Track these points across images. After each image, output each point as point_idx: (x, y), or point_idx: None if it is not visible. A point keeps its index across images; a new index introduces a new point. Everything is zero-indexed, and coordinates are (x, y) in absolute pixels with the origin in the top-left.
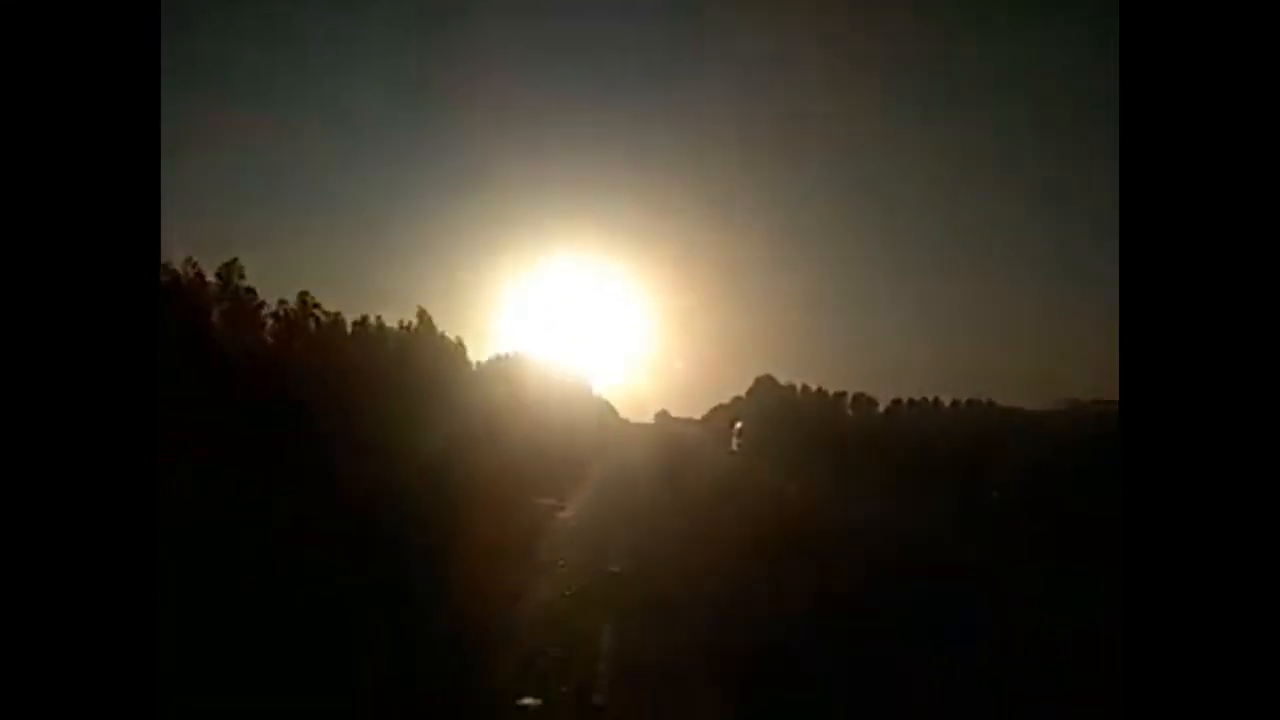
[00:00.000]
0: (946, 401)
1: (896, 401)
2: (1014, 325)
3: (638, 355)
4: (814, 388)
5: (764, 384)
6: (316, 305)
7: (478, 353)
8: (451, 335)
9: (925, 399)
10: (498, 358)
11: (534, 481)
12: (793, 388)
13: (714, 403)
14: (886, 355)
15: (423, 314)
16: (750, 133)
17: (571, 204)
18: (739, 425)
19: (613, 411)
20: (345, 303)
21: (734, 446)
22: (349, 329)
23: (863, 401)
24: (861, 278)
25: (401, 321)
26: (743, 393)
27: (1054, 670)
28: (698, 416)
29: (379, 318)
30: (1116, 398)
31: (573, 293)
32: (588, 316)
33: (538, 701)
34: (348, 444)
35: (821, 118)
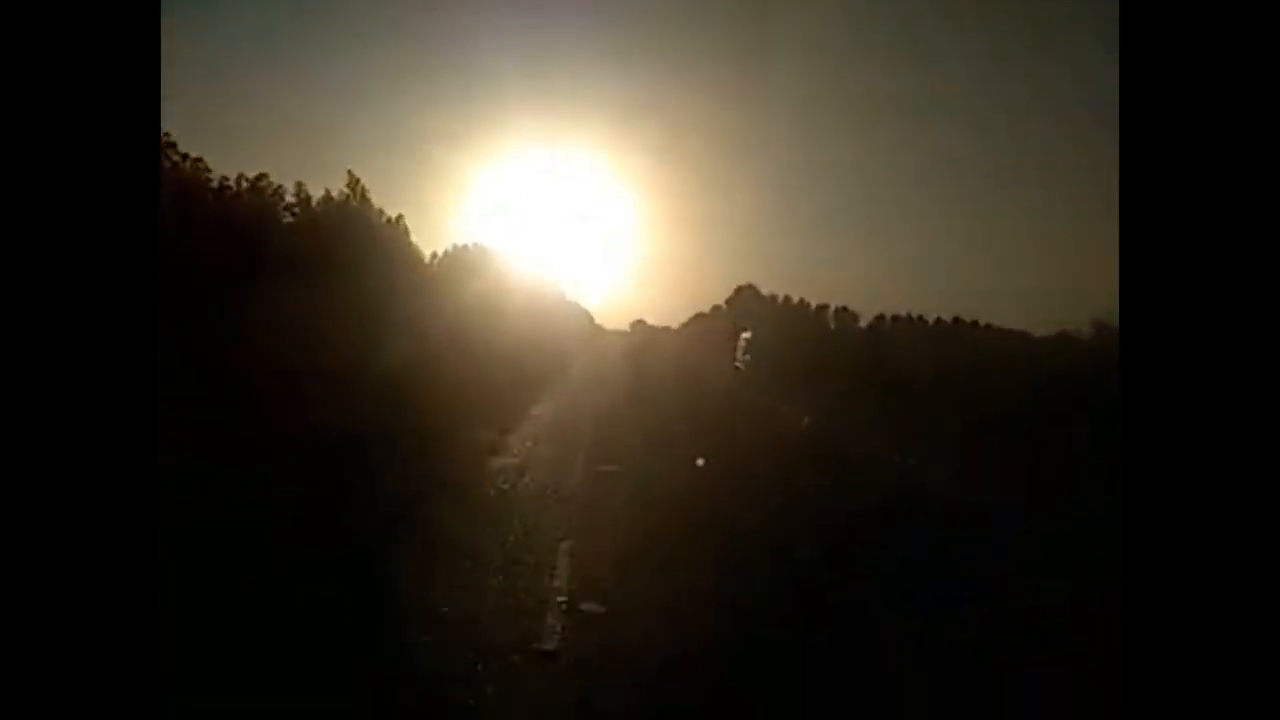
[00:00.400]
0: (931, 319)
1: (879, 317)
2: (1006, 244)
3: (613, 257)
4: (795, 299)
5: (745, 294)
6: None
7: (432, 243)
8: (391, 212)
9: (910, 315)
10: (455, 249)
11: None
12: (774, 299)
13: (692, 311)
14: (870, 270)
15: (355, 182)
16: (739, 15)
17: (544, 85)
18: (745, 336)
19: (587, 318)
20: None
21: (738, 362)
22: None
23: (846, 316)
24: (851, 187)
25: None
26: (722, 302)
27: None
28: (674, 325)
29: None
30: (1113, 322)
31: (540, 184)
32: (557, 212)
33: None
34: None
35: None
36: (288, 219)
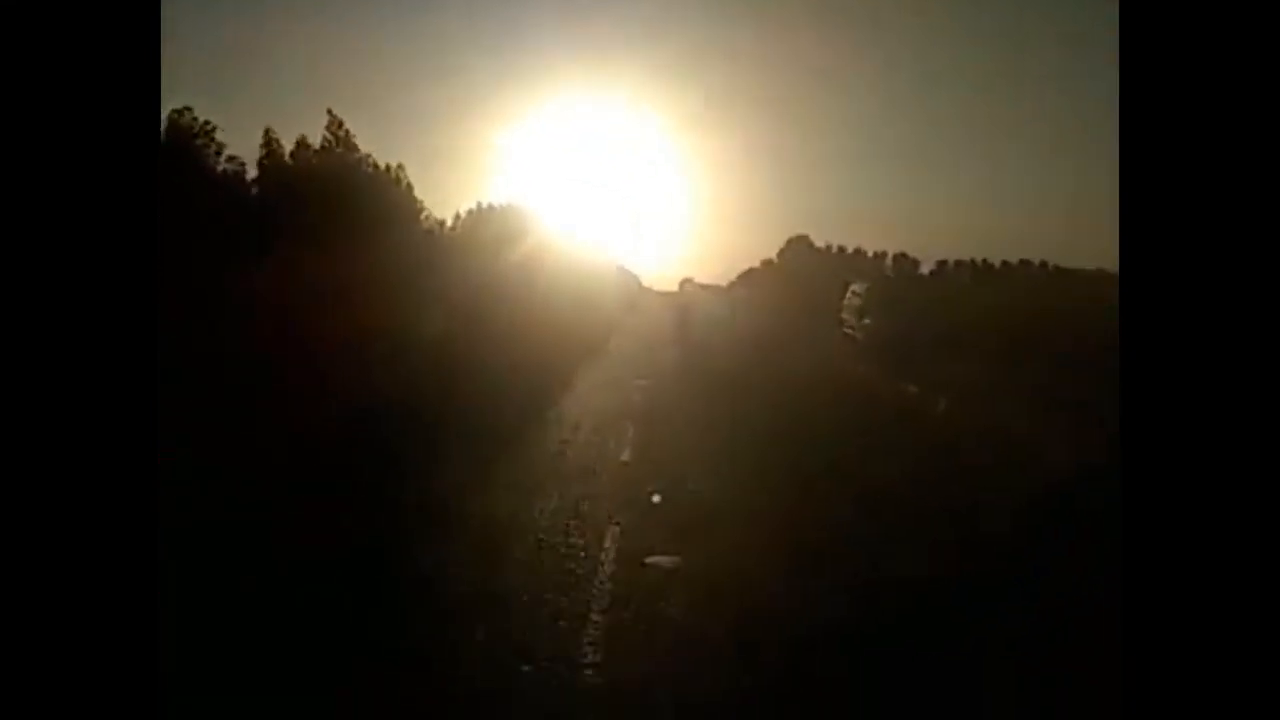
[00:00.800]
0: (996, 263)
1: (941, 263)
2: (1061, 186)
3: (656, 213)
4: (851, 248)
5: (797, 246)
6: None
7: (457, 203)
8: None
9: (972, 260)
10: (481, 209)
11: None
12: (829, 249)
13: (742, 266)
14: (927, 216)
15: (337, 123)
16: None
17: (580, 30)
18: (854, 290)
19: (634, 280)
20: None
21: (850, 327)
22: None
23: (905, 262)
24: (901, 133)
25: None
26: (773, 255)
27: None
28: (724, 284)
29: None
30: None
31: (578, 137)
32: (595, 165)
33: None
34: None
35: None
36: (249, 172)
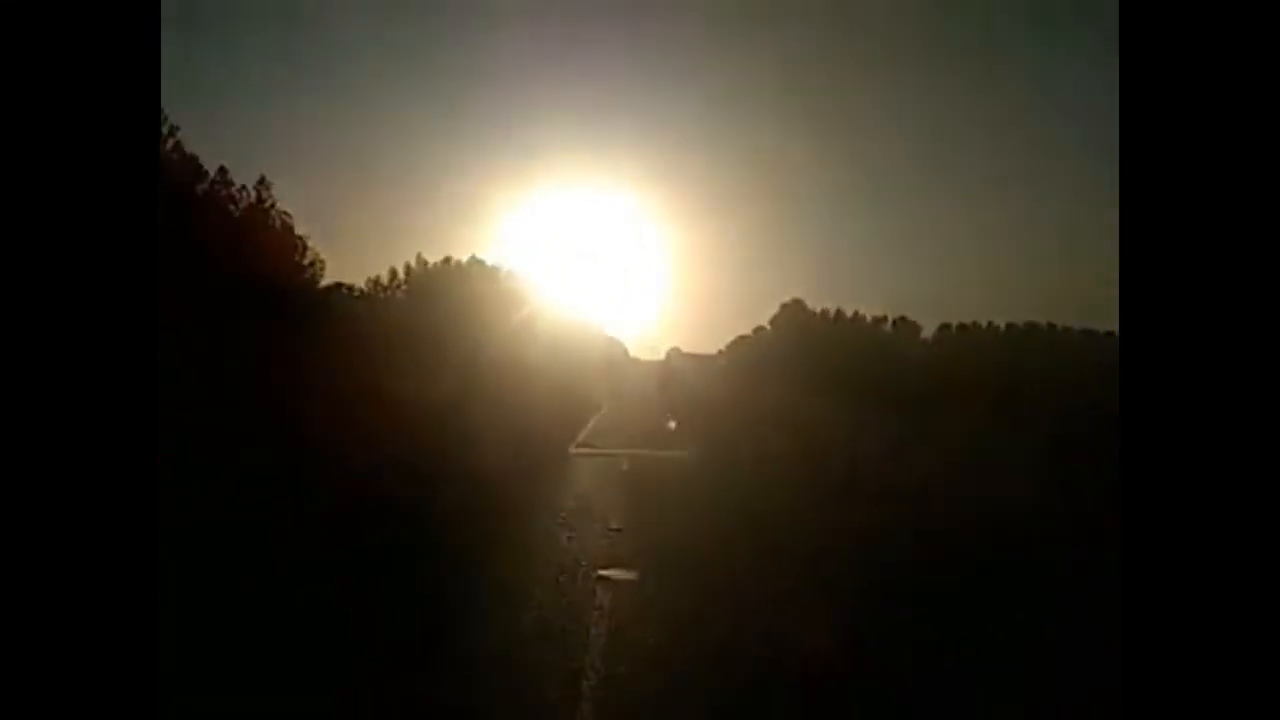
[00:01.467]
0: (1001, 325)
1: (944, 327)
2: (1066, 243)
3: (641, 283)
4: (849, 313)
5: (791, 311)
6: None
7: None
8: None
9: (976, 323)
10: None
11: None
12: (826, 314)
13: (733, 334)
14: (924, 279)
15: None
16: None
17: (565, 108)
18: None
19: (621, 348)
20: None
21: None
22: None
23: (906, 327)
24: (891, 195)
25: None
26: (765, 322)
27: None
28: (714, 351)
29: None
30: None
31: (560, 209)
32: (578, 236)
33: None
34: None
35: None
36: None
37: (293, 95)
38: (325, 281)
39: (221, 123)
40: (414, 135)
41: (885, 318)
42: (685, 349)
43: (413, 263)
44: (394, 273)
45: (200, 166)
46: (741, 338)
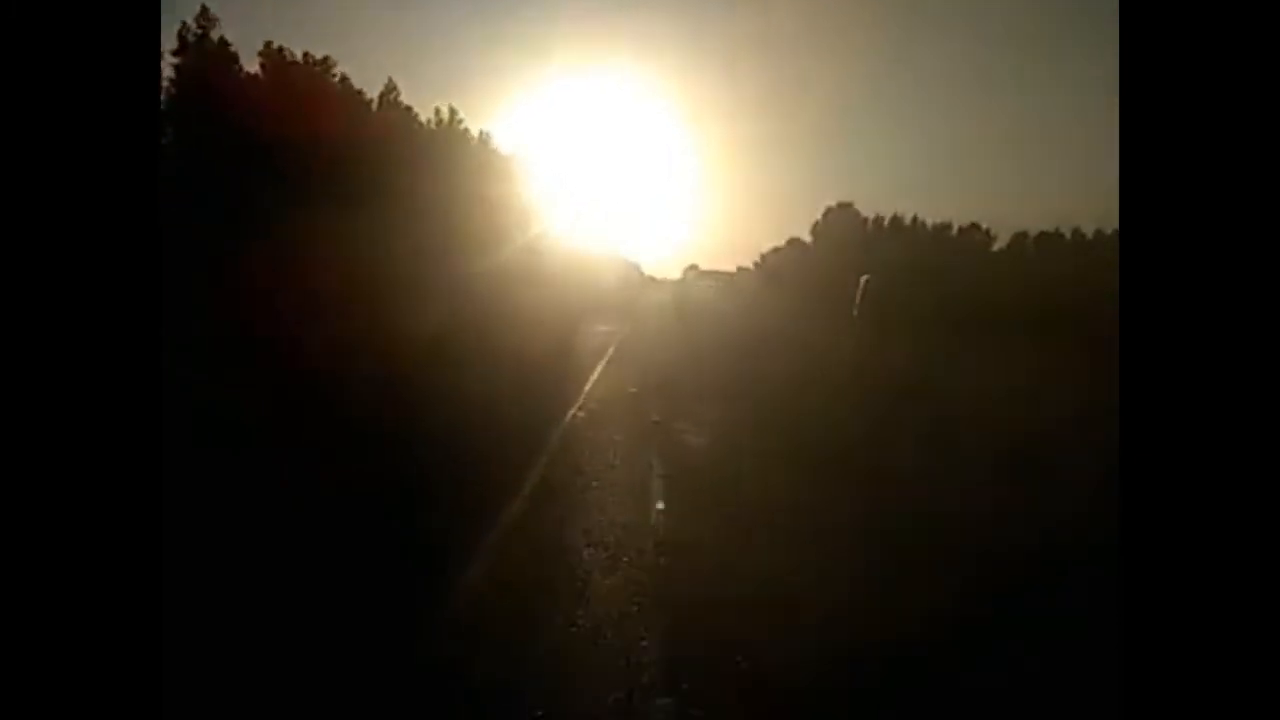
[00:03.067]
0: (1088, 232)
1: (1020, 235)
2: None
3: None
4: (908, 218)
5: (839, 216)
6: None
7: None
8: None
9: (1058, 231)
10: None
11: None
12: (880, 220)
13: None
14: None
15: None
16: None
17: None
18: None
19: (635, 269)
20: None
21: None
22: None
23: (976, 235)
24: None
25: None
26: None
27: None
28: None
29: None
30: None
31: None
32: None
33: None
34: None
35: None
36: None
37: None
38: None
39: None
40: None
41: (949, 225)
42: (704, 266)
43: None
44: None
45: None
46: (775, 250)
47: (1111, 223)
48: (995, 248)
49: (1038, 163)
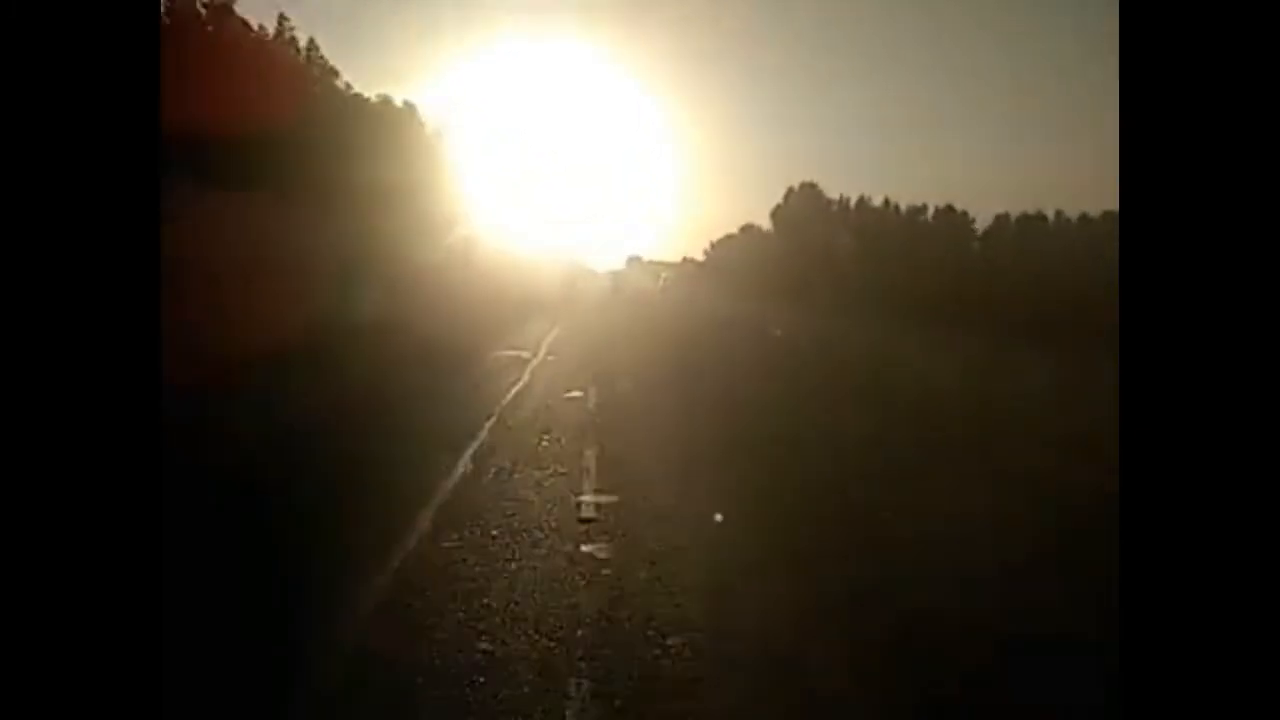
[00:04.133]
0: (1073, 215)
1: (1001, 217)
2: None
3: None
4: (875, 201)
5: (802, 196)
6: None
7: None
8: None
9: (1040, 213)
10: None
11: None
12: (845, 202)
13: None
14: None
15: None
16: None
17: None
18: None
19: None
20: None
21: None
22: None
23: (951, 219)
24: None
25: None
26: (766, 215)
27: None
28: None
29: None
30: None
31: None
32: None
33: None
34: None
35: None
36: None
37: None
38: None
39: None
40: None
41: (925, 206)
42: (647, 258)
43: None
44: None
45: None
46: (728, 237)
47: (1092, 206)
48: (977, 227)
49: (1019, 143)
